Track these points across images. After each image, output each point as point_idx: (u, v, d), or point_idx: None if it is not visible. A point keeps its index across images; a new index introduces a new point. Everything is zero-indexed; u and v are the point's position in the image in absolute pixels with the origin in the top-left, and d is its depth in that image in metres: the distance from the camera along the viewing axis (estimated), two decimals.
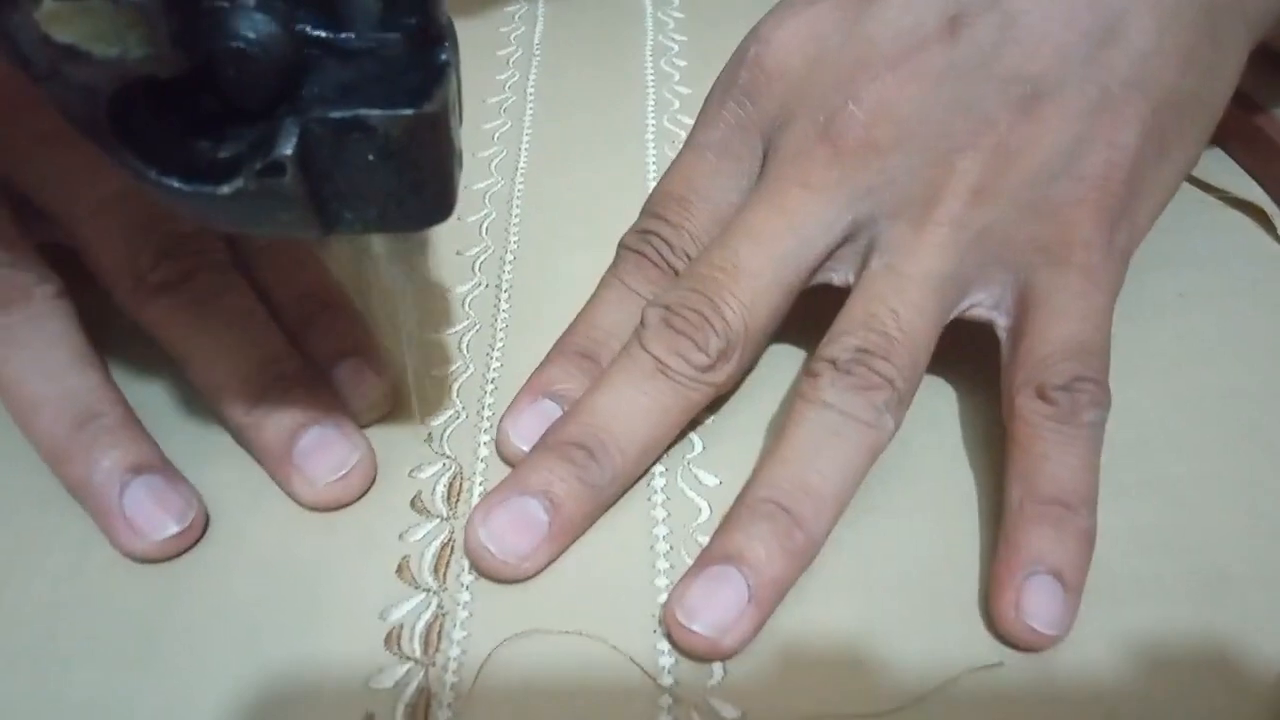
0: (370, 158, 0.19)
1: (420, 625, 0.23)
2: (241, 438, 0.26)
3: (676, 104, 0.40)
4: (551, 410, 0.26)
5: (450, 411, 0.28)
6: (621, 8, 0.47)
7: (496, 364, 0.30)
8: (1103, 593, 0.23)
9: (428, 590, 0.24)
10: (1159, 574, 0.24)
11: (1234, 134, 0.35)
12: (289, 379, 0.26)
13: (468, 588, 0.24)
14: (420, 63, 0.19)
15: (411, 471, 0.27)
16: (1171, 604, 0.23)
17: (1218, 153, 0.36)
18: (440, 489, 0.26)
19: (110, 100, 0.18)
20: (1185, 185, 0.34)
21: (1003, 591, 0.22)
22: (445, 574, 0.24)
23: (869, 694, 0.22)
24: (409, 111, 0.18)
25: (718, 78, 0.30)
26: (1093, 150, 0.26)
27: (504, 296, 0.32)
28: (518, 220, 0.35)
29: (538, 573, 0.24)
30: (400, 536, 0.25)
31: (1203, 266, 0.32)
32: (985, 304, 0.26)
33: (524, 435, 0.26)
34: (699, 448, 0.27)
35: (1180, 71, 0.26)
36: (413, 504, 0.26)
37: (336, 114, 0.18)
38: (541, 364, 0.27)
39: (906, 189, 0.26)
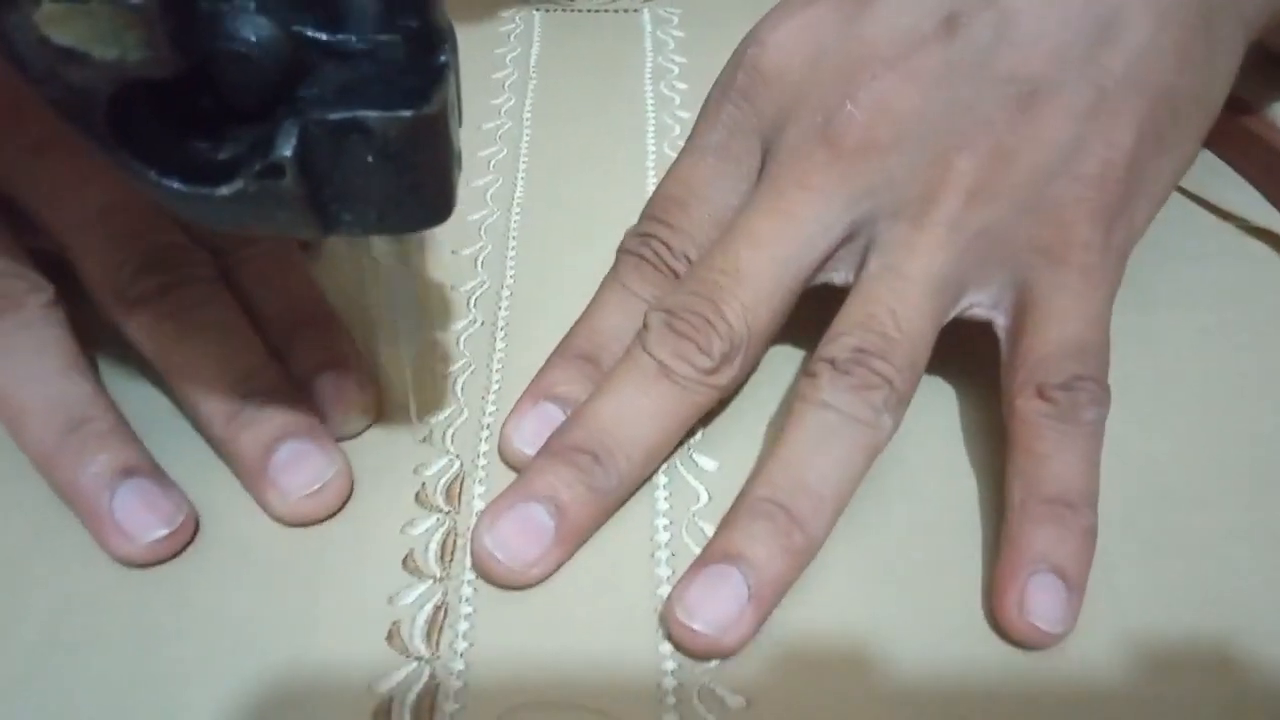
0: (369, 159, 0.19)
1: (422, 618, 0.23)
2: (219, 450, 0.26)
3: (677, 130, 0.38)
4: (554, 413, 0.26)
5: (453, 408, 0.28)
6: (620, 26, 0.45)
7: (499, 363, 0.30)
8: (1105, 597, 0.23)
9: (433, 578, 0.24)
10: (1163, 580, 0.24)
11: (1231, 143, 0.35)
12: (266, 392, 0.25)
13: (469, 583, 0.24)
14: (419, 64, 0.19)
15: (417, 468, 0.27)
16: (1174, 608, 0.23)
17: (1227, 170, 0.35)
18: (442, 485, 0.26)
19: (109, 102, 0.17)
20: (1202, 214, 0.34)
21: (1006, 590, 0.23)
22: (450, 564, 0.24)
23: (869, 694, 0.22)
24: (408, 113, 0.18)
25: (716, 80, 0.30)
26: (1090, 150, 0.26)
27: (504, 295, 0.32)
28: (515, 232, 0.34)
29: (544, 578, 0.24)
30: (402, 530, 0.25)
31: (1224, 301, 0.31)
32: (984, 304, 0.26)
33: (526, 439, 0.26)
34: (698, 434, 0.27)
35: (1176, 70, 0.26)
36: (417, 499, 0.26)
37: (335, 115, 0.18)
38: (543, 367, 0.27)
39: (905, 189, 0.26)
